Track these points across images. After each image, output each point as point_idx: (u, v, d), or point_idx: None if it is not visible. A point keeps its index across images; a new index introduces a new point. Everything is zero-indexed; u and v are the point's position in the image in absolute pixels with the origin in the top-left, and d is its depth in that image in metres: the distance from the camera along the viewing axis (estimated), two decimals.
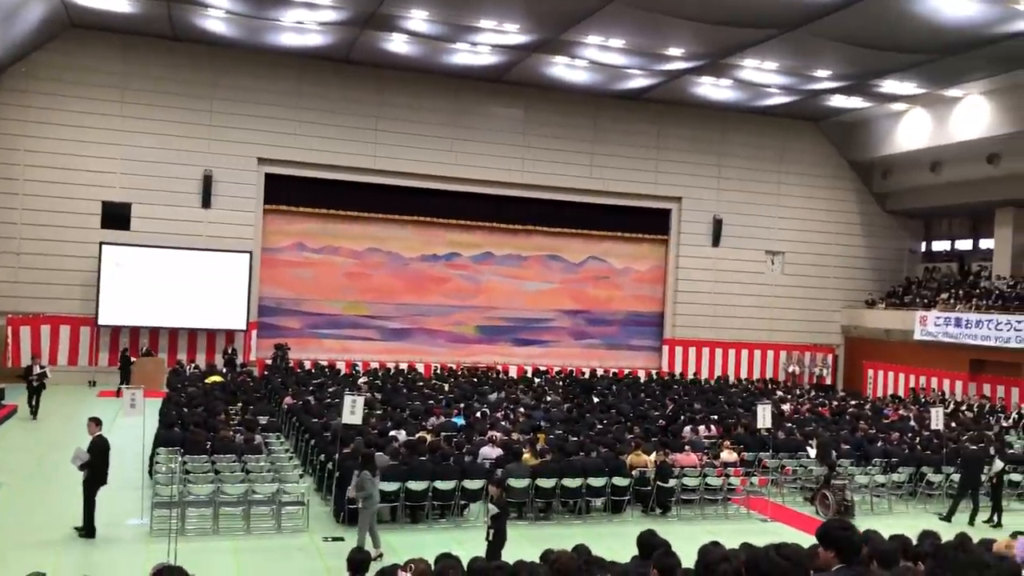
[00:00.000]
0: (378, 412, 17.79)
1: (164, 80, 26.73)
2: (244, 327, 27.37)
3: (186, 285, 26.51)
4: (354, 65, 28.33)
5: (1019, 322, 26.53)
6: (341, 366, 27.45)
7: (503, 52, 26.34)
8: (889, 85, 27.57)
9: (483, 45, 25.75)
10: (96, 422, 12.06)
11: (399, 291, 30.27)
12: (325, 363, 27.16)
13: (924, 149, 30.23)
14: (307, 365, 26.78)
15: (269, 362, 26.83)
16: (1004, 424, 24.92)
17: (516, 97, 30.19)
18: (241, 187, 27.53)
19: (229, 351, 26.76)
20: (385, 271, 30.14)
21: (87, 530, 11.52)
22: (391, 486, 12.84)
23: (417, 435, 15.25)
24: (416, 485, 12.99)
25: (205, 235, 27.08)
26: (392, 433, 15.54)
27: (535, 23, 23.57)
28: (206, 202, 27.06)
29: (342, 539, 11.96)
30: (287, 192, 28.53)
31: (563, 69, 27.82)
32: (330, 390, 20.92)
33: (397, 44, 26.02)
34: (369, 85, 28.72)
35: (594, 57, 26.30)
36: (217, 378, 22.41)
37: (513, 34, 24.40)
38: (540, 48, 25.73)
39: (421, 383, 23.93)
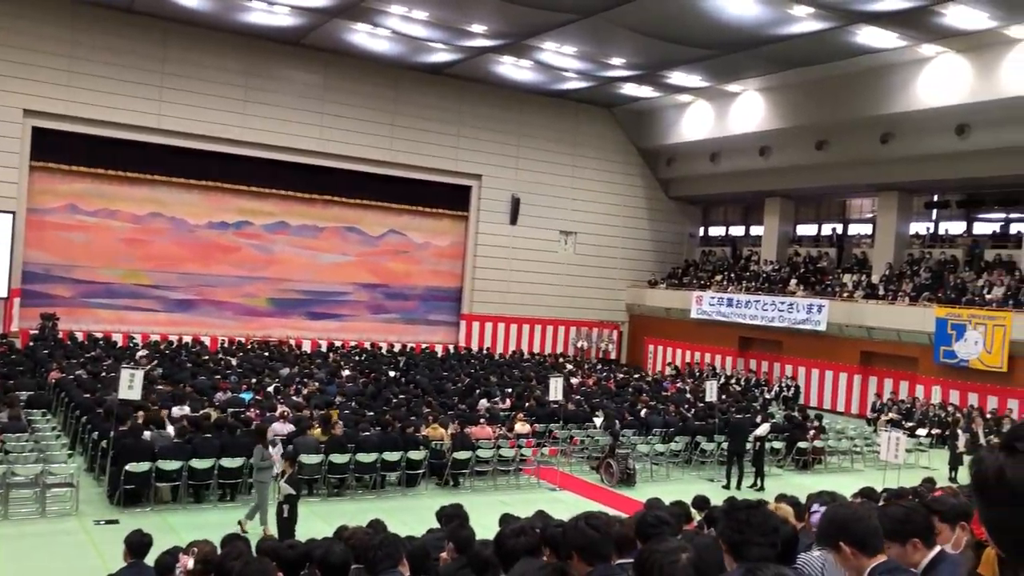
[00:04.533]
0: (159, 387, 16.82)
1: None
2: (5, 294, 24.84)
3: None
4: (137, 15, 26.24)
5: (782, 303, 28.99)
6: (118, 338, 25.62)
7: (301, 14, 25.36)
8: (676, 77, 29.08)
9: (280, 5, 24.65)
10: None
11: (183, 259, 28.54)
12: (100, 335, 25.23)
13: (705, 140, 32.19)
14: (79, 337, 24.78)
15: (35, 332, 24.62)
16: (767, 396, 27.28)
17: (315, 62, 29.16)
18: (3, 140, 24.85)
19: None
20: (168, 238, 28.31)
21: None
22: (173, 465, 12.17)
23: (202, 411, 14.56)
24: (201, 463, 12.36)
25: None
26: (175, 409, 14.76)
27: None
28: None
29: (116, 522, 11.20)
30: (58, 149, 25.98)
31: (365, 37, 27.18)
32: (105, 364, 19.55)
33: None
34: (154, 38, 26.73)
35: (397, 27, 25.88)
36: None
37: None
38: (341, 13, 24.98)
39: (207, 357, 22.85)
